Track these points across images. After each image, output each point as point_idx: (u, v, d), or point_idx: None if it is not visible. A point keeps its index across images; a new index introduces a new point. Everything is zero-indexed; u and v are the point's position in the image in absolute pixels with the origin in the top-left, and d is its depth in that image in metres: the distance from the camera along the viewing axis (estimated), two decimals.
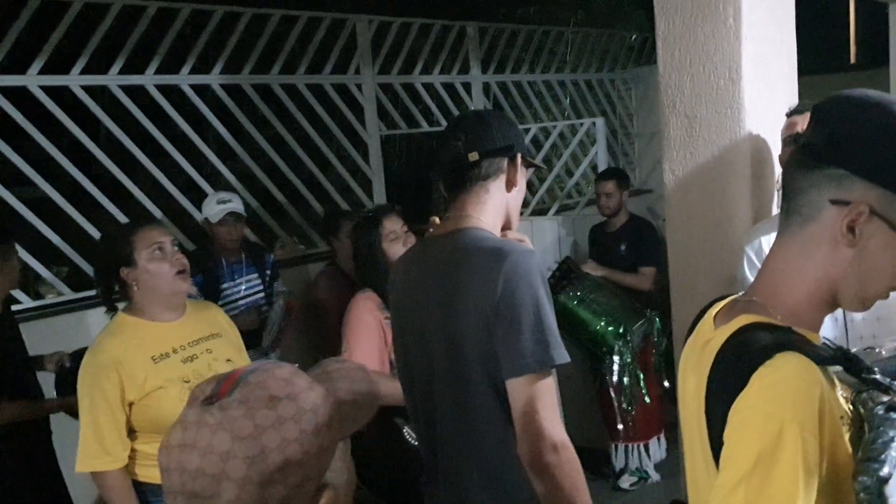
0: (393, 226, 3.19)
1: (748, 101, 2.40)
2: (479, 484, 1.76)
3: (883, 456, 1.01)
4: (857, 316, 2.24)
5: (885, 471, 1.00)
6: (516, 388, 1.66)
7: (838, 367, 1.11)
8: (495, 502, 1.77)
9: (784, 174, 1.24)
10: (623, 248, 4.88)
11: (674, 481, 4.73)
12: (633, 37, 8.19)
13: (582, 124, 6.01)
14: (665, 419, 4.80)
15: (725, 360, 1.15)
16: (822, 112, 1.20)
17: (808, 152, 1.19)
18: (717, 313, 1.30)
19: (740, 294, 1.29)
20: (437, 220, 1.99)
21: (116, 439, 2.40)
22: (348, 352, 3.03)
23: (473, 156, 1.82)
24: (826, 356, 1.10)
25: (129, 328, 2.48)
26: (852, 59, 10.30)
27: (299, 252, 5.04)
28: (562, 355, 1.68)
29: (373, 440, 3.04)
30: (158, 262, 2.46)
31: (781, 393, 1.04)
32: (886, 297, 1.18)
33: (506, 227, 1.92)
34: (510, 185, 1.88)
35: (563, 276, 4.08)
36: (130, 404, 2.41)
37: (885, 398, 1.06)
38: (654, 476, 4.80)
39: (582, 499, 1.67)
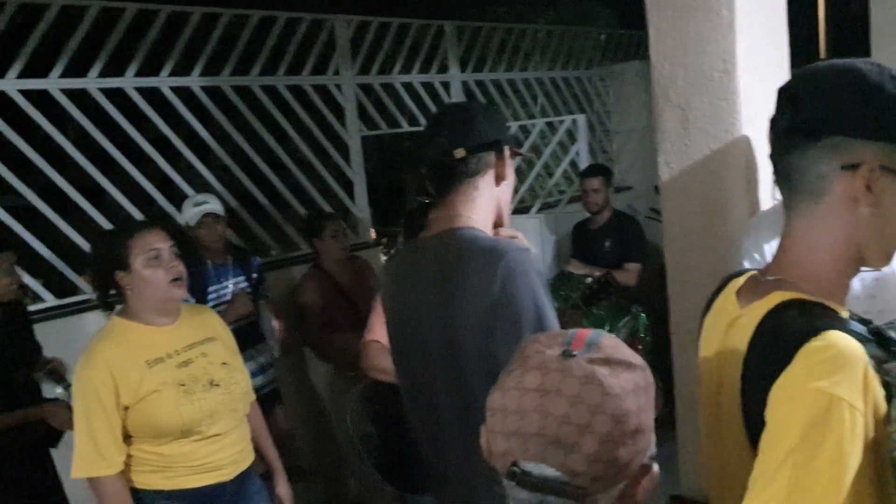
0: None
1: (743, 92, 2.40)
2: (487, 485, 1.72)
3: None
4: (852, 294, 2.28)
5: None
6: None
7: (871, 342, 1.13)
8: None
9: (775, 161, 1.26)
10: (607, 244, 4.89)
11: (666, 476, 4.73)
12: (601, 35, 8.21)
13: (563, 121, 6.01)
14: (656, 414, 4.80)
15: (764, 340, 1.16)
16: (797, 90, 1.23)
17: (798, 132, 1.20)
18: (738, 290, 1.30)
19: (757, 271, 1.30)
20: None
21: (111, 443, 2.36)
22: (369, 331, 3.01)
23: (460, 152, 1.76)
24: (863, 335, 1.12)
25: (123, 332, 2.45)
26: (822, 54, 10.43)
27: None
28: None
29: (386, 424, 3.01)
30: (154, 269, 2.42)
31: (829, 369, 1.05)
32: None
33: (497, 223, 1.88)
34: (499, 179, 1.83)
35: (600, 289, 4.01)
36: (126, 408, 2.38)
37: None
38: None
39: None
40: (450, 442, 1.78)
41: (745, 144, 2.43)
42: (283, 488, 2.81)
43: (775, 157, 1.26)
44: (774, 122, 1.26)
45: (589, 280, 4.10)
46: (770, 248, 2.23)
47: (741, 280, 1.33)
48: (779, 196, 2.65)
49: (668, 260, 2.66)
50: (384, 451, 3.01)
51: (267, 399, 4.04)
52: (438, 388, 1.76)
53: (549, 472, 0.95)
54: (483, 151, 1.78)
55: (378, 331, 2.98)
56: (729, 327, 1.26)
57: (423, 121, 6.24)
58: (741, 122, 2.42)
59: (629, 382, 0.97)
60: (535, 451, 0.95)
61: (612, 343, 1.02)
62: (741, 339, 1.20)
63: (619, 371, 0.98)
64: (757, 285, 1.27)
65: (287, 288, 4.61)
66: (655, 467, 1.00)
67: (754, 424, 1.13)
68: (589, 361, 0.98)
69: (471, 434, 1.71)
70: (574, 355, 0.99)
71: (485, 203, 1.81)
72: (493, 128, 1.80)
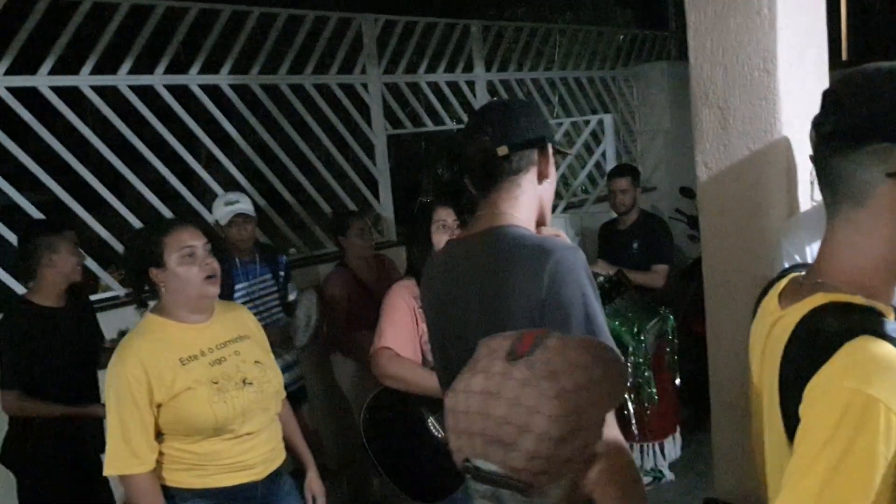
0: (444, 215, 3.16)
1: (783, 92, 2.37)
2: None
3: None
4: None
5: None
6: None
7: None
8: None
9: (818, 164, 1.24)
10: (635, 245, 4.85)
11: (688, 480, 4.71)
12: (623, 36, 8.18)
13: (588, 122, 5.99)
14: (679, 417, 4.78)
15: (802, 339, 1.15)
16: (842, 94, 1.20)
17: (842, 137, 1.18)
18: (780, 293, 1.29)
19: (799, 274, 1.29)
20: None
21: (143, 441, 2.35)
22: (379, 335, 3.00)
23: (503, 150, 1.74)
24: None
25: (157, 329, 2.44)
26: (844, 56, 10.36)
27: None
28: None
29: (397, 430, 3.02)
30: (188, 266, 2.42)
31: (869, 371, 1.04)
32: None
33: (540, 221, 1.86)
34: (542, 177, 1.80)
35: (613, 289, 4.04)
36: (158, 406, 2.37)
37: None
38: (669, 475, 4.77)
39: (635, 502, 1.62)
40: None
41: (784, 145, 2.40)
42: (315, 484, 2.80)
43: (818, 160, 1.24)
44: (818, 126, 1.23)
45: (601, 279, 4.09)
46: (812, 251, 2.21)
47: (783, 282, 1.32)
48: (818, 197, 2.61)
49: (705, 262, 2.62)
50: (397, 460, 3.00)
51: (293, 397, 4.03)
52: None
53: (494, 468, 1.03)
54: (526, 149, 1.76)
55: (389, 337, 2.97)
56: (771, 328, 1.25)
57: (447, 120, 6.24)
58: (781, 123, 2.39)
59: (569, 383, 1.03)
60: (480, 450, 1.03)
61: (556, 345, 1.08)
62: (781, 338, 1.19)
63: (559, 373, 1.03)
64: (798, 287, 1.25)
65: (311, 285, 4.62)
66: (605, 458, 1.09)
67: (791, 422, 1.12)
68: (529, 365, 1.04)
69: None
70: (517, 359, 1.05)
71: (527, 201, 1.79)
72: (537, 125, 1.78)
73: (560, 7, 9.91)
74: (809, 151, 2.51)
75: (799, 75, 2.43)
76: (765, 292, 1.38)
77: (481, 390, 1.05)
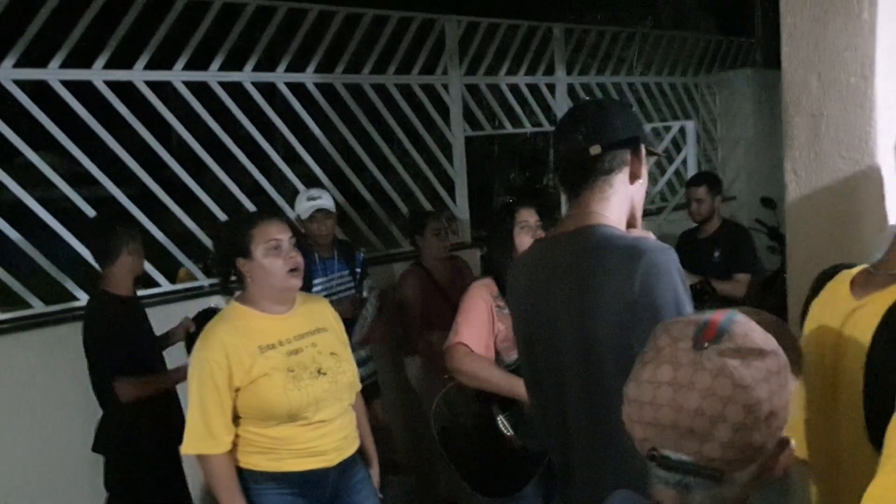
0: (527, 216, 3.16)
1: (881, 100, 2.30)
2: (615, 484, 1.68)
3: None
4: None
5: None
6: None
7: None
8: None
9: None
10: (717, 254, 4.74)
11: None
12: (700, 43, 8.02)
13: (668, 128, 5.90)
14: None
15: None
16: None
17: None
18: (851, 282, 1.28)
19: (870, 266, 1.27)
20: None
21: (221, 423, 2.44)
22: (456, 333, 3.02)
23: (595, 149, 1.72)
24: None
25: (240, 317, 2.53)
26: None
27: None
28: None
29: (467, 426, 3.03)
30: (273, 259, 2.49)
31: None
32: None
33: (630, 223, 1.83)
34: (634, 177, 1.78)
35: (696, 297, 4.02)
36: (237, 389, 2.45)
37: None
38: None
39: None
40: (578, 442, 1.75)
41: (881, 153, 2.33)
42: (373, 477, 2.85)
43: None
44: None
45: None
46: None
47: (854, 271, 1.29)
48: None
49: (790, 273, 2.56)
50: (466, 455, 3.01)
51: (366, 392, 4.07)
52: (569, 386, 1.73)
53: (686, 457, 1.01)
54: (619, 149, 1.74)
55: (465, 333, 2.99)
56: (847, 318, 1.22)
57: (526, 123, 6.22)
58: (877, 131, 2.32)
59: (760, 371, 1.00)
60: (672, 442, 1.01)
61: (743, 330, 1.04)
62: (866, 327, 1.18)
63: (751, 360, 1.01)
64: (872, 278, 1.23)
65: (387, 283, 4.66)
66: (793, 441, 1.05)
67: (877, 412, 1.11)
68: (719, 353, 1.01)
69: (601, 436, 1.68)
70: (705, 347, 1.02)
71: (619, 201, 1.77)
72: (630, 125, 1.77)
73: (640, 12, 9.81)
74: None
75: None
76: (826, 277, 1.35)
77: (670, 381, 1.03)
